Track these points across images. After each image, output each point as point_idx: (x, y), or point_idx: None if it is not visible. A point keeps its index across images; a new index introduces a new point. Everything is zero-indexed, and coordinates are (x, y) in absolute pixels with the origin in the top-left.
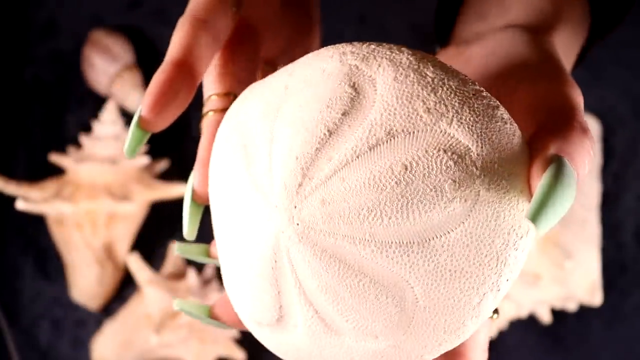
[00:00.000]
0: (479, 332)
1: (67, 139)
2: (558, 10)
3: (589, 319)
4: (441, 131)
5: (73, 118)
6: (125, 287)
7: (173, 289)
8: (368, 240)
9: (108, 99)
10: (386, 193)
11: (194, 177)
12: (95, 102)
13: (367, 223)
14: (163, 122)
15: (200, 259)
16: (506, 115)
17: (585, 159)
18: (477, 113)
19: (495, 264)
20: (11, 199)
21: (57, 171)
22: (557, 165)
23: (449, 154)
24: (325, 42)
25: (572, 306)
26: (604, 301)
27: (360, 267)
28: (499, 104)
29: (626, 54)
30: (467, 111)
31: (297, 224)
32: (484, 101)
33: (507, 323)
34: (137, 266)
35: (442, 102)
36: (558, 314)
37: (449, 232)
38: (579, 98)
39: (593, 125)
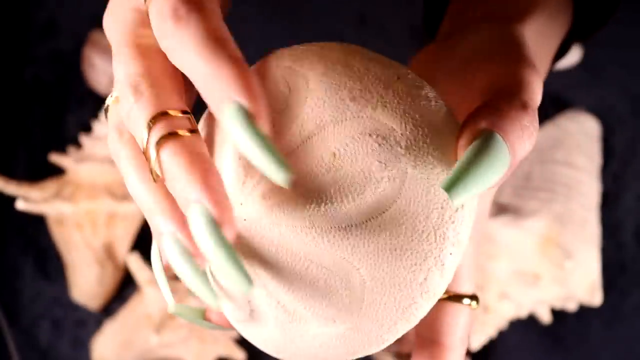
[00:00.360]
0: (457, 320)
1: (67, 139)
2: (534, 1)
3: (589, 319)
4: (367, 116)
5: (73, 118)
6: (125, 287)
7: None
8: (309, 227)
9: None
10: (319, 181)
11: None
12: (95, 102)
13: (305, 211)
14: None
15: (196, 321)
16: (431, 94)
17: (523, 135)
18: (401, 95)
19: (434, 238)
20: (11, 199)
21: (57, 171)
22: (485, 138)
23: (374, 136)
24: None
25: (572, 306)
26: (604, 301)
27: (305, 254)
28: (424, 83)
29: (626, 54)
30: (391, 94)
31: (244, 220)
32: (409, 83)
33: (506, 323)
34: (137, 266)
35: (367, 89)
36: (558, 314)
37: (383, 212)
38: (531, 77)
39: (593, 124)
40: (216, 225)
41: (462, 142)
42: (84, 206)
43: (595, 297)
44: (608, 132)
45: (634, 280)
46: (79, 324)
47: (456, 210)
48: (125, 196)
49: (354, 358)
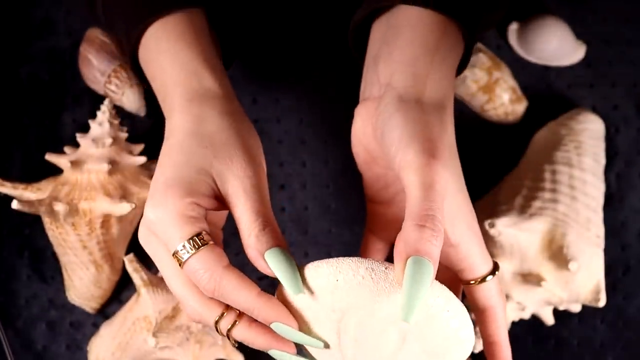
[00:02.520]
0: (489, 290)
1: (64, 139)
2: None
3: (593, 320)
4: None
5: (69, 117)
6: (122, 288)
7: (171, 291)
8: None
9: (105, 98)
10: None
11: (283, 325)
12: (92, 101)
13: None
14: None
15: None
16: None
17: (434, 245)
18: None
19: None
20: (7, 199)
21: (53, 171)
22: (411, 264)
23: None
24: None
25: (575, 307)
26: (608, 302)
27: None
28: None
29: (630, 53)
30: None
31: None
32: None
33: (510, 324)
34: (134, 268)
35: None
36: (561, 316)
37: None
38: (434, 178)
39: (597, 124)
40: (286, 353)
41: (398, 274)
42: (80, 207)
43: (599, 299)
44: (612, 131)
45: (638, 281)
46: (75, 326)
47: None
48: (122, 197)
49: None
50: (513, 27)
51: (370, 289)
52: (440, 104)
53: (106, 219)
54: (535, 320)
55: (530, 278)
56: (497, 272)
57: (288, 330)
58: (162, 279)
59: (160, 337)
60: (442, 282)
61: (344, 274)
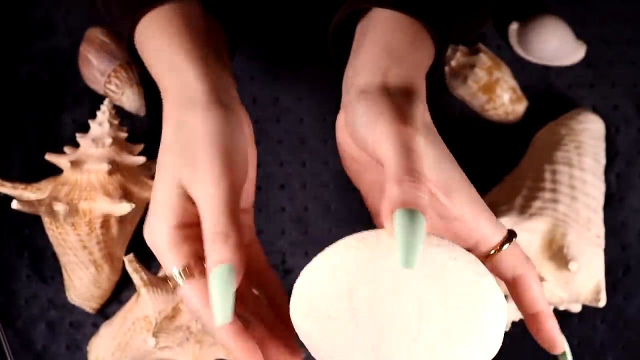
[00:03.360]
0: (513, 255)
1: (64, 139)
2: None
3: (593, 321)
4: None
5: (69, 117)
6: (122, 288)
7: (171, 291)
8: None
9: (105, 98)
10: None
11: None
12: (91, 101)
13: None
14: None
15: None
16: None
17: (419, 195)
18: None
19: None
20: (7, 199)
21: (53, 171)
22: (400, 216)
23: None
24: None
25: (576, 308)
26: (608, 302)
27: None
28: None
29: (630, 53)
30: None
31: None
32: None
33: (510, 324)
34: (134, 268)
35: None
36: (562, 316)
37: None
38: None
39: (597, 124)
40: None
41: (389, 230)
42: (80, 207)
43: (599, 299)
44: (613, 131)
45: (638, 281)
46: (75, 326)
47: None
48: (122, 196)
49: None
50: (513, 27)
51: (368, 257)
52: (406, 91)
53: (106, 219)
54: None
55: None
56: (514, 239)
57: None
58: (162, 279)
59: (160, 337)
60: None
61: (339, 254)
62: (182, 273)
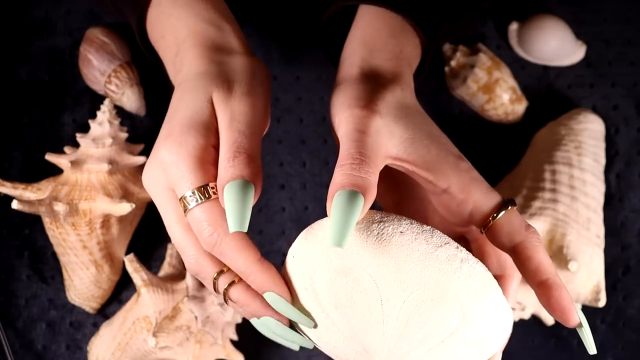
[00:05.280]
0: (512, 224)
1: (64, 139)
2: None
3: (593, 320)
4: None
5: (69, 117)
6: (122, 288)
7: (171, 291)
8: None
9: (105, 98)
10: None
11: (275, 294)
12: (91, 101)
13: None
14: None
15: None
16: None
17: (355, 172)
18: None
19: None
20: (7, 199)
21: (53, 171)
22: (339, 196)
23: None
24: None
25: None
26: (608, 302)
27: None
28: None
29: (630, 53)
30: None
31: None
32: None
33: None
34: (134, 267)
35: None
36: None
37: None
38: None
39: (597, 124)
40: (279, 323)
41: (328, 204)
42: (81, 206)
43: (599, 299)
44: (612, 131)
45: (638, 281)
46: (75, 326)
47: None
48: (122, 196)
49: None
50: (513, 27)
51: (314, 246)
52: (378, 77)
53: (106, 219)
54: (535, 320)
55: None
56: (512, 207)
57: (280, 302)
58: (162, 279)
59: (160, 337)
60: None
61: (296, 249)
62: (203, 190)
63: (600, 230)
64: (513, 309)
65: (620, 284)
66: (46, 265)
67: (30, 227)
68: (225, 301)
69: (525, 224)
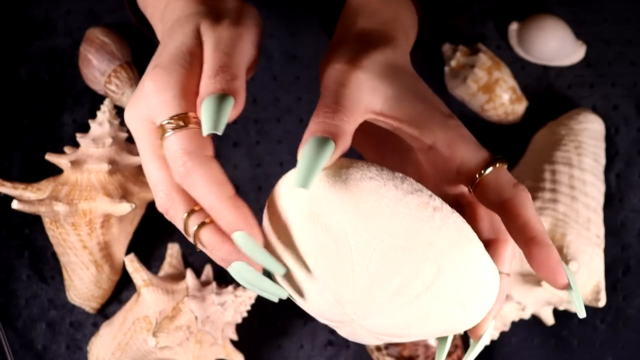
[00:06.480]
0: (500, 180)
1: (64, 139)
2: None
3: (593, 320)
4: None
5: (69, 117)
6: (122, 288)
7: (171, 291)
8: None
9: (105, 98)
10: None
11: (245, 234)
12: (91, 101)
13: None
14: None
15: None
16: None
17: (317, 125)
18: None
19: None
20: (7, 199)
21: (53, 171)
22: (310, 142)
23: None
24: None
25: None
26: (608, 302)
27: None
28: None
29: (630, 53)
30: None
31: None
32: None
33: (510, 324)
34: (135, 267)
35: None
36: (561, 316)
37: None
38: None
39: (597, 124)
40: (251, 268)
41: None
42: (81, 206)
43: (599, 299)
44: (612, 131)
45: (638, 281)
46: (75, 326)
47: None
48: (122, 196)
49: None
50: (513, 27)
51: (288, 189)
52: (368, 38)
53: (106, 219)
54: (535, 320)
55: (530, 278)
56: (501, 164)
57: (249, 242)
58: (162, 279)
59: (160, 337)
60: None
61: (272, 192)
62: (182, 119)
63: (600, 230)
64: (507, 274)
65: (620, 284)
66: (46, 265)
67: (30, 227)
68: (195, 244)
69: (514, 181)
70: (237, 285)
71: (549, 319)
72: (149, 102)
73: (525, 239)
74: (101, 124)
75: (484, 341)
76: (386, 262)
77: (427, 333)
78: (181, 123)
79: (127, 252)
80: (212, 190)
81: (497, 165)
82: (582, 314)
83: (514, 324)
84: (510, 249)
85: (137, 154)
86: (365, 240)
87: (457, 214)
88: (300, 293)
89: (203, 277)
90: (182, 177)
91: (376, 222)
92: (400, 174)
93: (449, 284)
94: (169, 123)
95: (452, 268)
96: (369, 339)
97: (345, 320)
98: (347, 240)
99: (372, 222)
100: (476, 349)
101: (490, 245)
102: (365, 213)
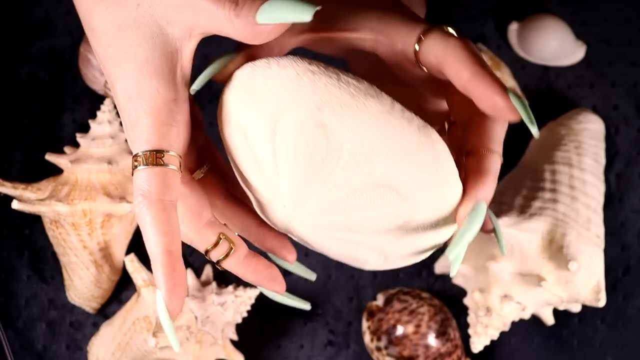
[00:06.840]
0: (459, 59)
1: (64, 139)
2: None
3: (593, 320)
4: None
5: (69, 117)
6: (122, 288)
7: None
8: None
9: (105, 98)
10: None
11: (162, 295)
12: (91, 101)
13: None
14: (182, 301)
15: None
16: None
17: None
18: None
19: None
20: (7, 199)
21: (53, 171)
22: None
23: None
24: None
25: (575, 308)
26: (608, 302)
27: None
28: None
29: (630, 53)
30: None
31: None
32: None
33: (510, 324)
34: (135, 267)
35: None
36: (562, 316)
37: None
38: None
39: (597, 124)
40: (278, 295)
41: (462, 214)
42: (81, 206)
43: (599, 299)
44: (612, 131)
45: (638, 281)
46: (75, 326)
47: None
48: (122, 196)
49: None
50: (513, 27)
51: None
52: None
53: (106, 219)
54: (535, 320)
55: (530, 278)
56: (436, 29)
57: (161, 306)
58: None
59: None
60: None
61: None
62: (153, 155)
63: (600, 230)
64: (499, 154)
65: (620, 284)
66: (46, 265)
67: (30, 227)
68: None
69: (454, 41)
70: (237, 285)
71: (549, 319)
72: (129, 124)
73: (462, 84)
74: (101, 124)
75: (469, 230)
76: (295, 137)
77: (369, 219)
78: (151, 159)
79: (127, 252)
80: (153, 239)
81: (443, 29)
82: (536, 134)
83: (514, 324)
84: (500, 127)
85: None
86: (320, 135)
87: (354, 76)
88: (262, 210)
89: (203, 277)
90: (137, 215)
91: (334, 116)
92: (352, 76)
93: (369, 161)
94: (140, 157)
95: (361, 137)
96: (323, 239)
97: (288, 221)
98: (308, 135)
99: (335, 116)
100: (461, 242)
101: (471, 122)
102: (319, 108)
